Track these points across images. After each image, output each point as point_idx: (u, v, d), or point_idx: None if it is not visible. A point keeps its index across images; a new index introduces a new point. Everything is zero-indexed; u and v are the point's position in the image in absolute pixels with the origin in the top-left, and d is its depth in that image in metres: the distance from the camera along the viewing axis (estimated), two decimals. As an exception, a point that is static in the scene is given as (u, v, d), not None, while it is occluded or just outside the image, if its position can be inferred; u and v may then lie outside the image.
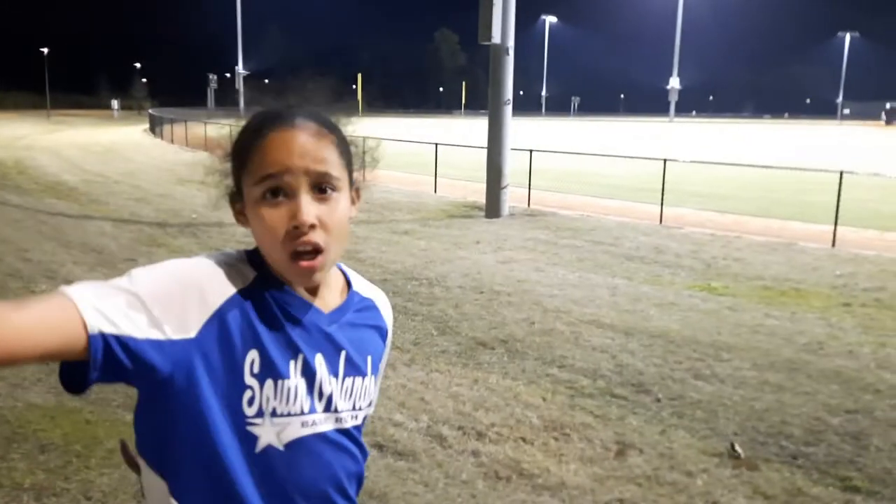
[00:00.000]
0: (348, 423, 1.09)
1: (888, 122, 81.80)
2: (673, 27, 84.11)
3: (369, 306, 1.17)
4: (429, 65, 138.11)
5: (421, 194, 14.49)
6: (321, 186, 1.00)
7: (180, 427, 0.98)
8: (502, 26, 11.69)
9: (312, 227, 0.99)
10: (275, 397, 1.00)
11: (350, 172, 1.07)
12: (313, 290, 1.07)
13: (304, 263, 1.00)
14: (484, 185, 12.32)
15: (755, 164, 16.26)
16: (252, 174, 1.00)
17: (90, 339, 0.86)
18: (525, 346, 5.52)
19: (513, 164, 12.43)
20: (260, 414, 1.00)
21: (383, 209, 12.40)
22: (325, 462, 1.07)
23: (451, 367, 5.05)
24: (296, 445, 1.03)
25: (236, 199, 1.06)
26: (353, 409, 1.10)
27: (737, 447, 3.88)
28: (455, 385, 4.66)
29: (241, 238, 9.10)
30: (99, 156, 24.11)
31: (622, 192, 15.04)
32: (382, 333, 1.20)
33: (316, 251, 1.00)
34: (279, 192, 0.99)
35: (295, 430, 1.03)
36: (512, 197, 12.30)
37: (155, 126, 37.76)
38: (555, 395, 4.58)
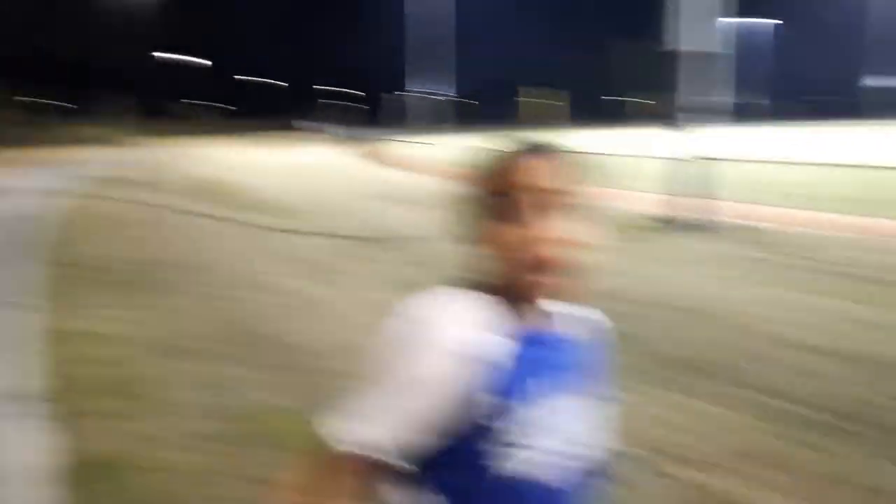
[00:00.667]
0: (596, 453, 1.15)
1: None
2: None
3: (591, 319, 1.25)
4: (611, 73, 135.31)
5: (611, 207, 14.27)
6: (571, 208, 1.11)
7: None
8: (698, 32, 11.30)
9: (571, 242, 1.09)
10: (518, 429, 1.06)
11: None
12: (549, 312, 1.14)
13: (553, 280, 1.08)
14: (669, 197, 11.95)
15: None
16: (506, 189, 1.10)
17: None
18: (730, 369, 5.22)
19: (701, 174, 11.93)
20: (505, 444, 1.06)
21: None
22: (574, 496, 1.12)
23: (647, 387, 4.95)
24: (543, 480, 1.08)
25: (487, 222, 1.12)
26: (598, 435, 1.16)
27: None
28: (653, 406, 4.58)
29: (445, 252, 9.63)
30: (300, 173, 26.25)
31: (825, 203, 13.85)
32: (606, 347, 1.27)
33: (562, 268, 1.08)
34: (537, 212, 1.08)
35: (545, 465, 1.08)
36: (716, 209, 11.76)
37: (354, 144, 40.69)
38: (765, 422, 4.32)
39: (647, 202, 14.41)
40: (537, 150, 1.14)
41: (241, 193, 19.18)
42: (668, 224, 11.88)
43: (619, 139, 45.12)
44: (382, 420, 1.06)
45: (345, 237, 11.42)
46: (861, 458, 3.89)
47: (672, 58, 12.00)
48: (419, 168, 24.62)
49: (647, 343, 5.80)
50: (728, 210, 12.36)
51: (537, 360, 1.10)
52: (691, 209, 11.61)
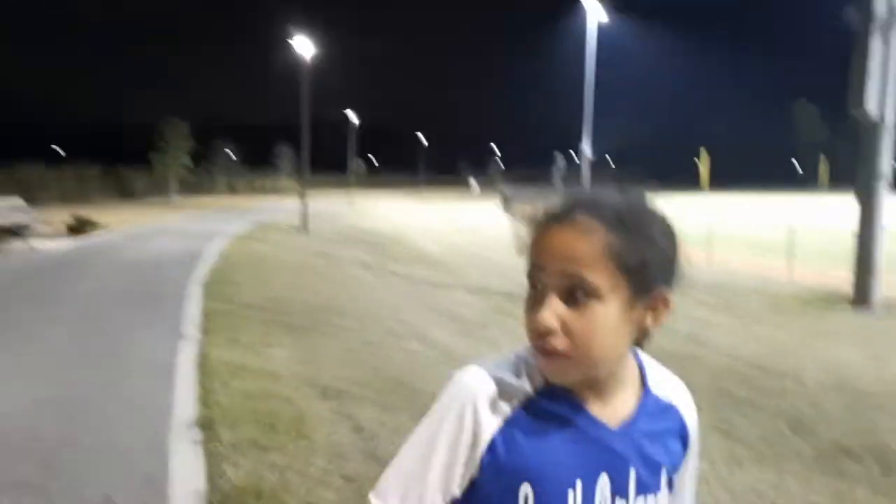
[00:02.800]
0: None
1: None
2: None
3: (666, 408, 1.06)
4: (783, 138, 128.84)
5: (772, 280, 13.43)
6: (572, 291, 0.92)
7: None
8: (879, 96, 10.53)
9: (550, 332, 0.92)
10: None
11: (638, 279, 0.93)
12: (601, 395, 1.00)
13: (542, 361, 0.95)
14: (847, 273, 10.99)
15: None
16: (527, 264, 0.98)
17: None
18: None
19: (887, 248, 10.91)
20: None
21: (728, 292, 11.77)
22: None
23: (807, 472, 4.57)
24: None
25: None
26: None
27: None
28: (813, 493, 4.20)
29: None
30: (458, 230, 26.95)
31: None
32: (683, 437, 1.07)
33: (557, 355, 0.93)
34: (537, 287, 0.95)
35: None
36: (885, 285, 10.77)
37: (506, 202, 41.17)
38: (944, 525, 3.86)
39: (826, 277, 13.37)
40: (557, 217, 0.95)
41: (403, 246, 19.95)
42: (831, 299, 10.91)
43: (802, 207, 42.45)
44: (403, 485, 1.00)
45: (496, 293, 11.50)
46: None
47: (845, 123, 11.21)
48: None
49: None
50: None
51: (575, 458, 0.98)
52: (875, 285, 10.59)
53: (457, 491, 0.98)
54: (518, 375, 1.00)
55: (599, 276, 0.91)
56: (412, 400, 5.61)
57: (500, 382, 0.99)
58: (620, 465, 0.99)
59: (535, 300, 0.95)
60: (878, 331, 8.75)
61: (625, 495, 0.99)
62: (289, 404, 5.45)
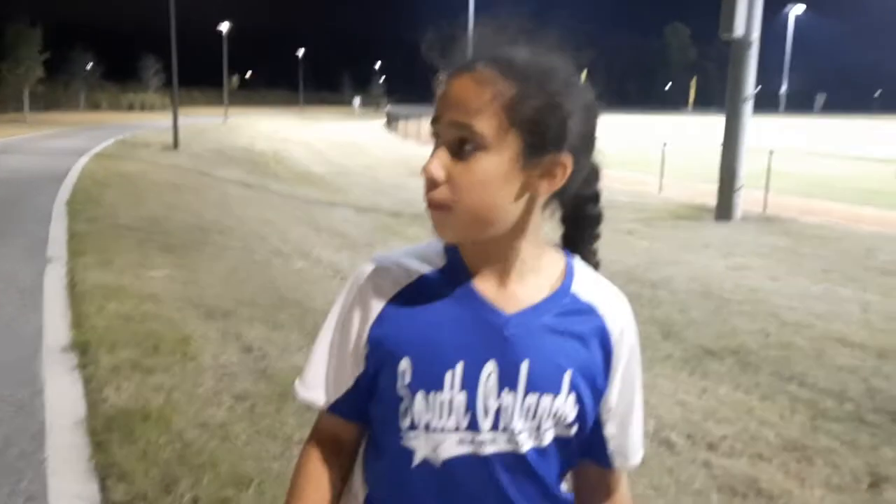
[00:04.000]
0: (527, 446, 0.95)
1: None
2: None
3: (584, 310, 0.99)
4: (656, 60, 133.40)
5: (645, 194, 14.11)
6: (461, 141, 0.88)
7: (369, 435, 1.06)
8: (747, 18, 11.00)
9: (434, 182, 0.89)
10: (427, 410, 0.93)
11: (532, 135, 0.89)
12: (501, 278, 0.96)
13: (430, 216, 0.92)
14: (713, 186, 11.71)
15: None
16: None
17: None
18: (759, 358, 5.21)
19: (747, 165, 11.67)
20: (413, 426, 0.94)
21: (604, 208, 12.25)
22: (494, 486, 0.95)
23: (677, 373, 4.92)
24: (455, 464, 0.94)
25: None
26: (537, 429, 0.96)
27: None
28: (682, 392, 4.53)
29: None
30: (342, 149, 26.39)
31: (878, 199, 13.48)
32: (605, 348, 1.00)
33: (439, 207, 0.90)
34: (436, 140, 0.91)
35: (451, 447, 0.94)
36: (745, 200, 11.57)
37: (391, 122, 40.53)
38: (794, 413, 4.29)
39: (693, 192, 14.18)
40: (459, 68, 0.91)
41: (285, 165, 19.32)
42: (698, 212, 11.66)
43: (674, 126, 44.44)
44: (319, 369, 1.04)
45: (382, 212, 11.43)
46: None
47: (725, 46, 11.69)
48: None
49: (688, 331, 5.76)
50: (775, 203, 12.10)
51: (459, 339, 0.94)
52: (737, 199, 11.35)
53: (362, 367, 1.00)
54: (421, 260, 1.00)
55: (487, 126, 0.87)
56: (300, 317, 5.53)
57: (396, 264, 1.00)
58: (511, 354, 0.94)
59: (432, 152, 0.91)
60: (739, 242, 9.43)
61: (514, 388, 0.94)
62: (172, 326, 5.23)
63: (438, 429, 0.93)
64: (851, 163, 17.26)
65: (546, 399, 0.95)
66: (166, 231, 9.01)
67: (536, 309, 0.96)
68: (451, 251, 0.99)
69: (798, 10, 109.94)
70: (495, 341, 0.94)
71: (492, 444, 0.94)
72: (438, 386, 0.93)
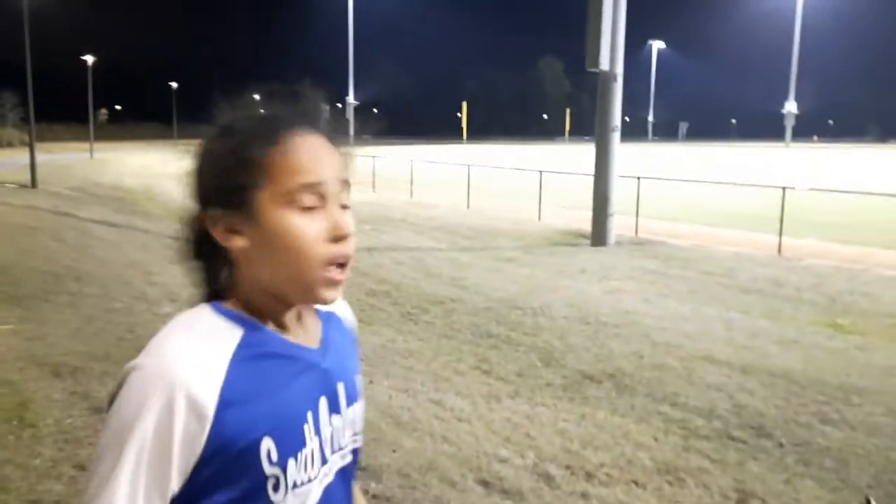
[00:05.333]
0: (349, 458, 1.03)
1: None
2: (787, 49, 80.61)
3: (334, 317, 1.07)
4: (532, 92, 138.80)
5: (524, 221, 14.42)
6: (345, 198, 0.94)
7: None
8: (611, 53, 11.53)
9: (347, 241, 0.92)
10: (297, 471, 0.91)
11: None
12: (298, 318, 0.97)
13: (339, 276, 0.91)
14: (589, 213, 12.10)
15: (885, 192, 15.18)
16: (279, 183, 0.89)
17: None
18: (634, 380, 5.32)
19: (619, 192, 12.16)
20: (282, 492, 0.90)
21: (486, 235, 12.41)
22: (338, 498, 1.00)
23: (556, 400, 4.93)
24: (319, 501, 0.95)
25: (226, 215, 0.90)
26: (354, 435, 1.04)
27: (873, 501, 3.55)
28: (562, 420, 4.53)
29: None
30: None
31: (736, 221, 14.39)
32: (354, 342, 1.11)
33: (346, 264, 0.93)
34: (313, 201, 0.90)
35: (316, 492, 0.94)
36: (618, 225, 12.02)
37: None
38: (667, 434, 4.37)
39: (570, 218, 14.61)
40: (312, 128, 0.95)
41: (156, 202, 18.38)
42: (575, 238, 12.02)
43: (550, 155, 45.98)
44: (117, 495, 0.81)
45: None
46: (763, 470, 3.90)
47: (592, 78, 12.18)
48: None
49: (565, 356, 5.82)
50: (645, 227, 12.65)
51: (299, 392, 0.93)
52: (610, 225, 11.76)
53: (176, 488, 0.83)
54: (217, 339, 0.88)
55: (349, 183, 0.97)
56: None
57: (196, 361, 0.84)
58: (331, 383, 0.99)
59: (313, 213, 0.90)
60: (614, 266, 9.74)
61: (338, 411, 1.00)
62: (10, 389, 4.70)
63: (304, 481, 0.92)
64: (713, 187, 18.39)
65: (357, 408, 1.05)
66: (14, 280, 8.24)
67: (326, 333, 1.02)
68: (236, 315, 0.91)
69: (659, 44, 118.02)
70: (319, 377, 0.97)
71: (334, 466, 0.99)
72: (302, 443, 0.92)
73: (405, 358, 5.76)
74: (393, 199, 18.85)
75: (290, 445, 0.90)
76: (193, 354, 0.84)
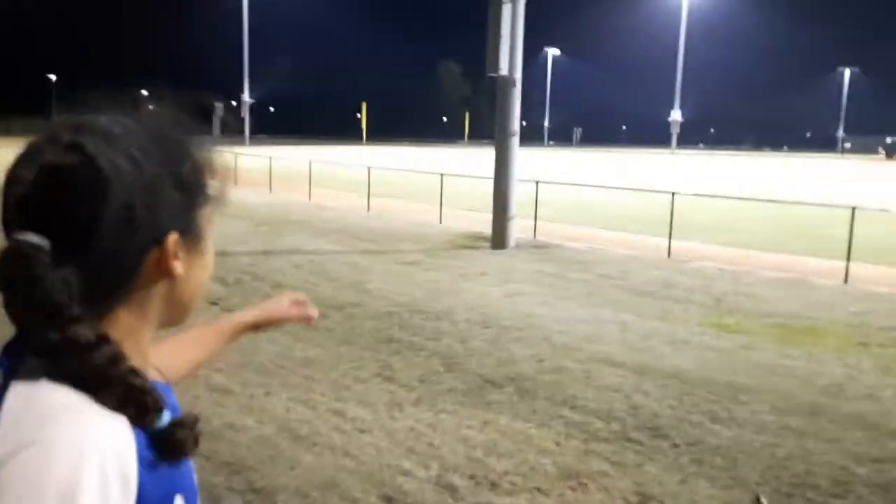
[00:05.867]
0: None
1: (889, 156, 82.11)
2: (674, 60, 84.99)
3: None
4: (432, 94, 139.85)
5: (426, 224, 14.40)
6: None
7: None
8: (510, 59, 11.68)
9: None
10: None
11: None
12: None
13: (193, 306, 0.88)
14: (489, 216, 12.22)
15: (763, 197, 16.15)
16: (209, 203, 0.82)
17: None
18: (535, 384, 5.36)
19: (518, 195, 12.34)
20: None
21: (387, 239, 12.29)
22: None
23: (459, 407, 4.88)
24: None
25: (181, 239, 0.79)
26: None
27: (762, 499, 3.70)
28: (465, 427, 4.49)
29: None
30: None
31: (628, 224, 14.93)
32: None
33: None
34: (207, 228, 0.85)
35: None
36: (517, 228, 12.19)
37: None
38: (568, 438, 4.41)
39: (470, 221, 14.70)
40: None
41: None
42: (476, 241, 12.13)
43: (450, 158, 46.25)
44: None
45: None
46: (660, 471, 3.99)
47: (490, 81, 12.31)
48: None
49: (466, 361, 5.79)
50: (544, 230, 12.89)
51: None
52: (510, 228, 11.91)
53: None
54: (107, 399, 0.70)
55: None
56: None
57: (100, 425, 0.68)
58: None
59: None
60: (514, 269, 9.86)
61: None
62: None
63: None
64: (608, 191, 19.02)
65: None
66: None
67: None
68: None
69: (555, 52, 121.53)
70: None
71: None
72: (195, 492, 0.84)
73: (304, 367, 5.57)
74: (291, 200, 18.41)
75: (194, 497, 0.83)
76: (102, 417, 0.69)
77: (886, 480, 3.96)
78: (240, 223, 13.66)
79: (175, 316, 0.84)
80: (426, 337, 6.49)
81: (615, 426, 4.63)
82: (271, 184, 20.79)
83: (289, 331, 6.56)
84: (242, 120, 65.31)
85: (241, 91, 72.46)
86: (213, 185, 0.83)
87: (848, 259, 9.40)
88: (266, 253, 10.36)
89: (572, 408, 4.92)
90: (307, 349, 6.05)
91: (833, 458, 4.21)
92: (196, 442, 0.76)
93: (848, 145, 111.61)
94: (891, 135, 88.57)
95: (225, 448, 4.01)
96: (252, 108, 74.90)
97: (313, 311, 1.33)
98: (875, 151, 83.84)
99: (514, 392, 5.20)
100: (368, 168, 18.10)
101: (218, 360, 5.64)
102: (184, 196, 0.78)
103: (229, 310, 7.18)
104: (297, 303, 1.34)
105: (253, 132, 75.87)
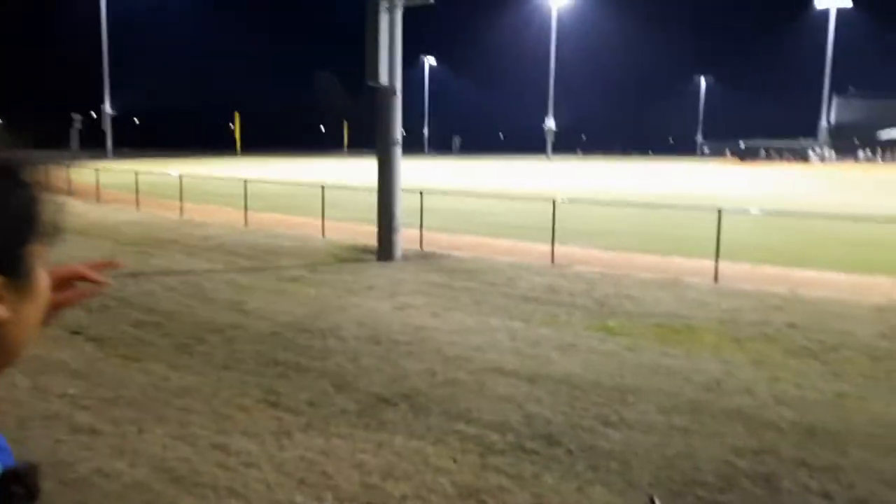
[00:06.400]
0: None
1: (742, 159, 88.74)
2: (547, 70, 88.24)
3: None
4: (309, 104, 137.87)
5: (308, 238, 14.00)
6: None
7: None
8: (389, 67, 11.58)
9: None
10: None
11: None
12: None
13: None
14: (374, 228, 12.04)
15: (633, 201, 16.86)
16: (40, 236, 0.73)
17: None
18: (429, 399, 5.25)
19: (403, 205, 12.23)
20: None
21: (267, 255, 11.84)
22: None
23: (352, 429, 4.69)
24: None
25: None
26: None
27: (656, 500, 3.75)
28: (359, 452, 4.30)
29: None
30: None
31: (512, 231, 15.18)
32: None
33: None
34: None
35: None
36: (403, 238, 12.08)
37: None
38: (465, 454, 4.32)
39: (354, 233, 14.43)
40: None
41: None
42: (361, 253, 11.93)
43: (331, 169, 45.51)
44: None
45: None
46: (556, 481, 3.98)
47: (369, 91, 12.14)
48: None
49: (356, 380, 5.60)
50: (430, 240, 12.84)
51: None
52: (396, 239, 11.78)
53: None
54: None
55: None
56: None
57: None
58: None
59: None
60: (402, 281, 9.73)
61: None
62: None
63: None
64: (492, 199, 19.33)
65: None
66: None
67: None
68: None
69: (431, 61, 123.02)
70: None
71: None
72: None
73: (180, 397, 5.19)
74: (161, 218, 17.42)
75: None
76: None
77: (767, 471, 4.13)
78: (103, 244, 12.77)
79: (4, 359, 0.75)
80: (313, 357, 6.25)
81: (511, 437, 4.59)
82: (138, 200, 19.62)
83: (162, 359, 6.13)
84: (104, 133, 61.77)
85: (102, 102, 68.44)
86: (45, 214, 0.72)
87: (717, 259, 9.94)
88: (135, 275, 9.69)
89: (467, 421, 4.85)
90: (184, 377, 5.66)
91: (717, 453, 4.36)
92: (32, 496, 0.69)
93: (707, 149, 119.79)
94: (744, 138, 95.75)
95: (94, 498, 3.62)
96: (115, 121, 70.86)
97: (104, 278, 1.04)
98: (731, 154, 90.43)
99: (408, 409, 5.07)
100: (245, 181, 17.42)
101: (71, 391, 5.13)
102: (5, 233, 0.69)
103: (94, 339, 6.63)
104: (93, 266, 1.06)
105: (117, 145, 71.86)
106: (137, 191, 19.97)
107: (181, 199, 18.42)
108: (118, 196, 20.88)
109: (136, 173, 20.99)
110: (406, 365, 6.05)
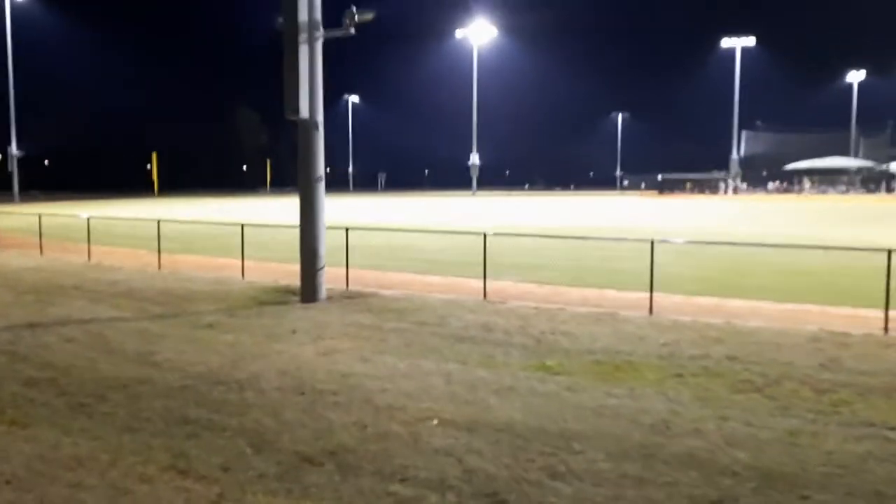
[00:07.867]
0: None
1: (661, 192, 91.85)
2: (471, 107, 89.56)
3: None
4: (229, 142, 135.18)
5: (226, 281, 13.21)
6: None
7: None
8: (310, 101, 11.13)
9: None
10: None
11: None
12: None
13: None
14: (296, 267, 11.43)
15: (560, 234, 16.80)
16: None
17: None
18: (358, 457, 4.73)
19: (327, 243, 11.69)
20: None
21: (181, 300, 11.04)
22: None
23: (271, 498, 4.13)
24: None
25: None
26: None
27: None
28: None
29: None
30: None
31: (441, 267, 14.80)
32: None
33: None
34: None
35: None
36: (328, 278, 11.51)
37: None
38: (401, 523, 3.83)
39: (276, 273, 13.74)
40: None
41: None
42: (283, 295, 11.30)
43: (251, 207, 44.29)
44: None
45: None
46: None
47: (290, 128, 11.65)
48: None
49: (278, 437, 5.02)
50: (356, 279, 12.30)
51: None
52: (320, 279, 11.19)
53: None
54: None
55: None
56: None
57: None
58: None
59: None
60: (327, 324, 9.15)
61: None
62: None
63: None
64: (418, 235, 18.93)
65: None
66: None
67: None
68: None
69: (354, 98, 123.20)
70: None
71: None
72: None
73: (72, 470, 4.51)
74: (66, 262, 16.25)
75: None
76: None
77: (730, 524, 3.80)
78: None
79: None
80: (229, 413, 5.63)
81: (451, 497, 4.13)
82: (42, 245, 18.32)
83: (55, 423, 5.40)
84: (10, 175, 58.63)
85: (9, 143, 65.20)
86: None
87: (651, 291, 9.79)
88: (31, 326, 8.79)
89: (402, 480, 4.36)
90: (78, 444, 4.96)
91: (675, 505, 4.01)
92: None
93: (626, 183, 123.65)
94: (661, 171, 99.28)
95: None
96: (22, 162, 67.53)
97: None
98: (650, 187, 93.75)
99: (335, 469, 4.54)
100: (158, 221, 16.49)
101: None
102: None
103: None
104: None
105: (26, 188, 68.34)
106: (41, 234, 18.68)
107: (89, 241, 17.29)
108: (21, 241, 19.52)
109: (40, 216, 19.65)
110: (332, 417, 5.51)
